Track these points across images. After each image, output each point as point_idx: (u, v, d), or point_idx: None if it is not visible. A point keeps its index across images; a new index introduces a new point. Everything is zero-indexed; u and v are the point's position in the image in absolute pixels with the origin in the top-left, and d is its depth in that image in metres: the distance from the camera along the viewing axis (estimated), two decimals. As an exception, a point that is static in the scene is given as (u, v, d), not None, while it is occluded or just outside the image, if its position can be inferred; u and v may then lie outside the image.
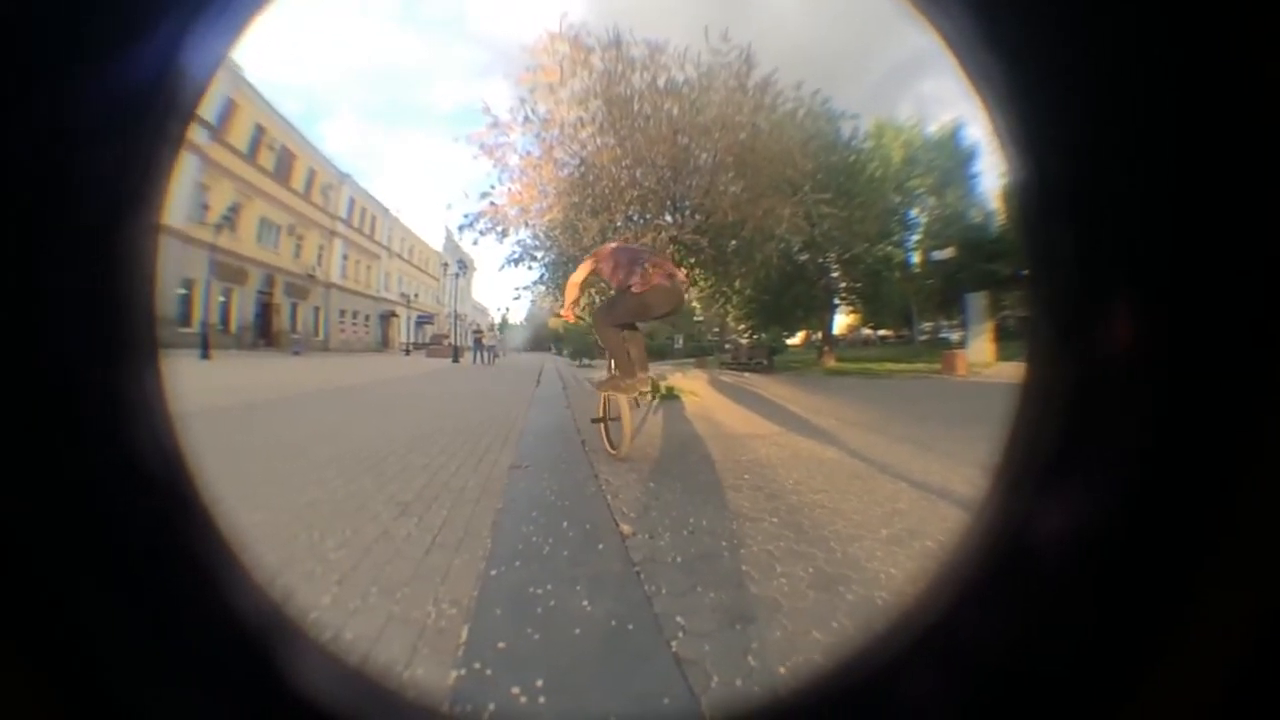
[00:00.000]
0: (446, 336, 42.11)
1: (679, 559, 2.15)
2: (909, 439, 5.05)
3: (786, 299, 23.17)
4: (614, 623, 1.64)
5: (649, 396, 4.26)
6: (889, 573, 2.05)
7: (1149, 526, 0.21)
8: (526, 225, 12.67)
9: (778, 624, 1.66)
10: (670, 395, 8.54)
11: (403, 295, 57.18)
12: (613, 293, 4.22)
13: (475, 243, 13.17)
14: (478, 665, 1.42)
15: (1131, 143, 0.20)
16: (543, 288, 14.27)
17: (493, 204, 12.41)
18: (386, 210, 54.01)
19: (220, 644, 0.25)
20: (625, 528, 2.51)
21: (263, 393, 8.53)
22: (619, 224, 11.90)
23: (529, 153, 12.13)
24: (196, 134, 26.12)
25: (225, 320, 30.58)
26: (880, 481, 3.49)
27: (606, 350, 4.33)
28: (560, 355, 38.42)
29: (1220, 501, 0.20)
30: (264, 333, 34.20)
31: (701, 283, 15.05)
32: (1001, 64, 0.23)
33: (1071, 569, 0.22)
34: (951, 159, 34.19)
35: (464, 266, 39.66)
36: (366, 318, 49.52)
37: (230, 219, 29.55)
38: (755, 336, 28.76)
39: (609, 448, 4.21)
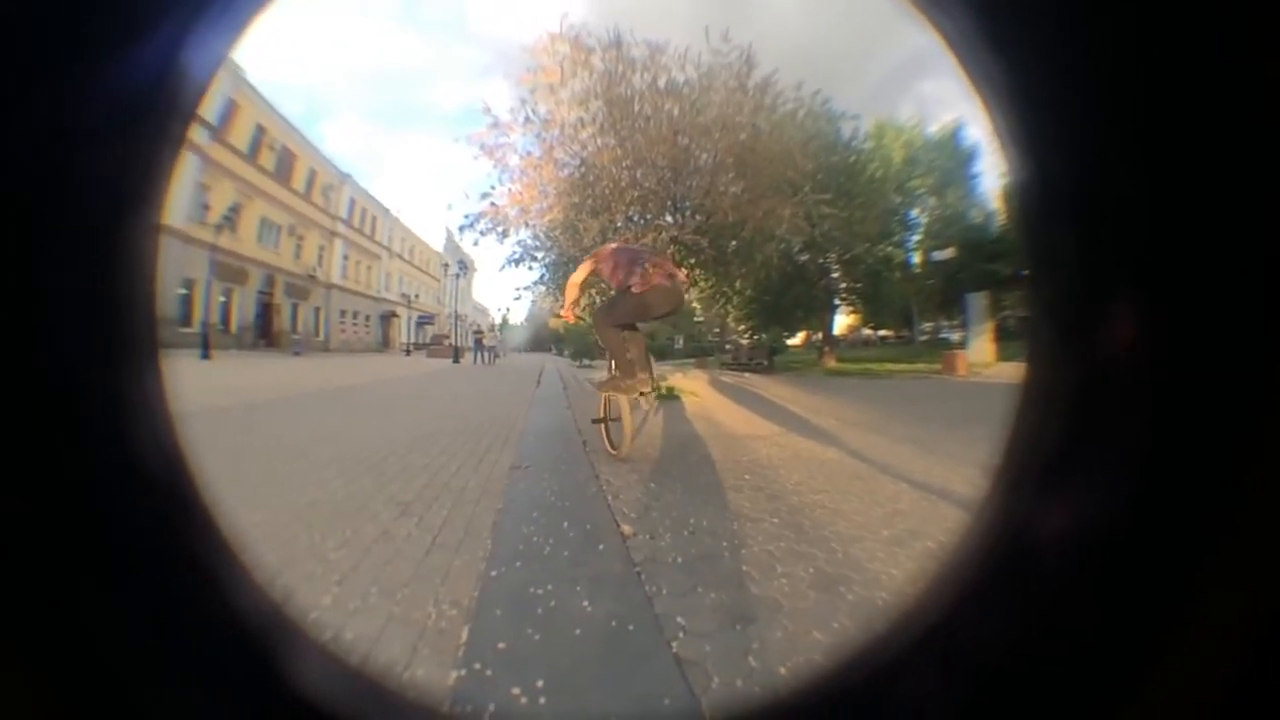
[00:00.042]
0: (447, 337, 42.13)
1: (680, 559, 2.15)
2: (910, 439, 5.04)
3: (787, 299, 23.17)
4: (614, 623, 1.64)
5: (650, 397, 4.24)
6: (890, 573, 2.05)
7: (1149, 527, 0.21)
8: (527, 226, 12.67)
9: (778, 624, 1.66)
10: (671, 396, 8.54)
11: (403, 296, 57.22)
12: (613, 293, 4.21)
13: (476, 243, 13.17)
14: (478, 666, 1.41)
15: (1132, 143, 0.20)
16: (543, 288, 14.26)
17: (493, 204, 12.42)
18: (387, 211, 54.05)
19: (220, 644, 0.25)
20: (626, 528, 2.50)
21: (263, 393, 8.54)
22: (619, 224, 11.90)
23: (529, 153, 12.14)
24: (197, 134, 26.14)
25: (226, 320, 30.59)
26: (881, 482, 3.49)
27: (607, 351, 4.32)
28: (561, 356, 38.45)
29: (1220, 502, 0.20)
30: (264, 333, 34.21)
31: (702, 283, 15.04)
32: (1002, 64, 0.23)
33: (1072, 569, 0.22)
34: (952, 159, 34.21)
35: (464, 267, 39.66)
36: (367, 318, 49.54)
37: (231, 219, 29.58)
38: (756, 337, 28.75)
39: (610, 448, 4.21)
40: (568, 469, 3.76)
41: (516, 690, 1.31)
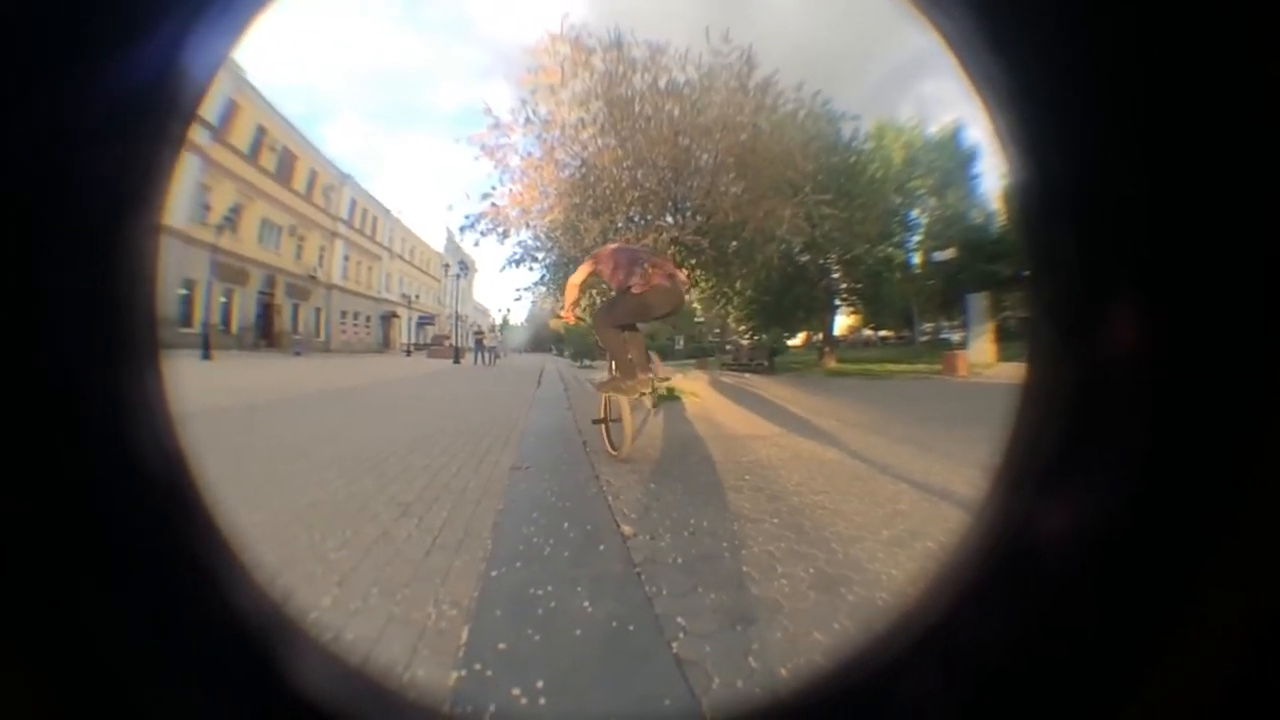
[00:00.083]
0: (448, 337, 42.19)
1: (680, 560, 2.15)
2: (910, 440, 5.04)
3: (787, 300, 23.19)
4: (615, 624, 1.64)
5: (650, 397, 4.23)
6: (890, 574, 2.05)
7: (1149, 527, 0.20)
8: (528, 226, 12.69)
9: (779, 625, 1.66)
10: (671, 396, 8.54)
11: (404, 296, 57.26)
12: (613, 294, 4.21)
13: (476, 244, 13.19)
14: (478, 666, 1.41)
15: (1132, 143, 0.20)
16: (544, 289, 14.27)
17: (494, 205, 12.43)
18: (388, 211, 54.06)
19: (220, 644, 0.25)
20: (626, 529, 2.50)
21: (264, 393, 8.54)
22: (620, 225, 11.91)
23: (530, 154, 12.15)
24: (198, 135, 26.17)
25: (226, 321, 30.60)
26: (881, 483, 3.49)
27: (607, 352, 4.32)
28: (561, 356, 38.46)
29: (1221, 502, 0.20)
30: (265, 333, 34.22)
31: (702, 284, 15.05)
32: (1002, 64, 0.23)
33: (1072, 570, 0.22)
34: (952, 160, 34.26)
35: (465, 267, 39.68)
36: (368, 319, 49.55)
37: (232, 220, 29.61)
38: (756, 338, 28.77)
39: (610, 449, 4.21)
40: (568, 469, 3.76)
41: (517, 691, 1.31)
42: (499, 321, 79.73)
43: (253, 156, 33.03)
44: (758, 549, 2.27)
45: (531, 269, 13.73)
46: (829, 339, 24.85)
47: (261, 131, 33.88)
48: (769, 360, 19.94)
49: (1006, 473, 0.26)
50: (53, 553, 0.20)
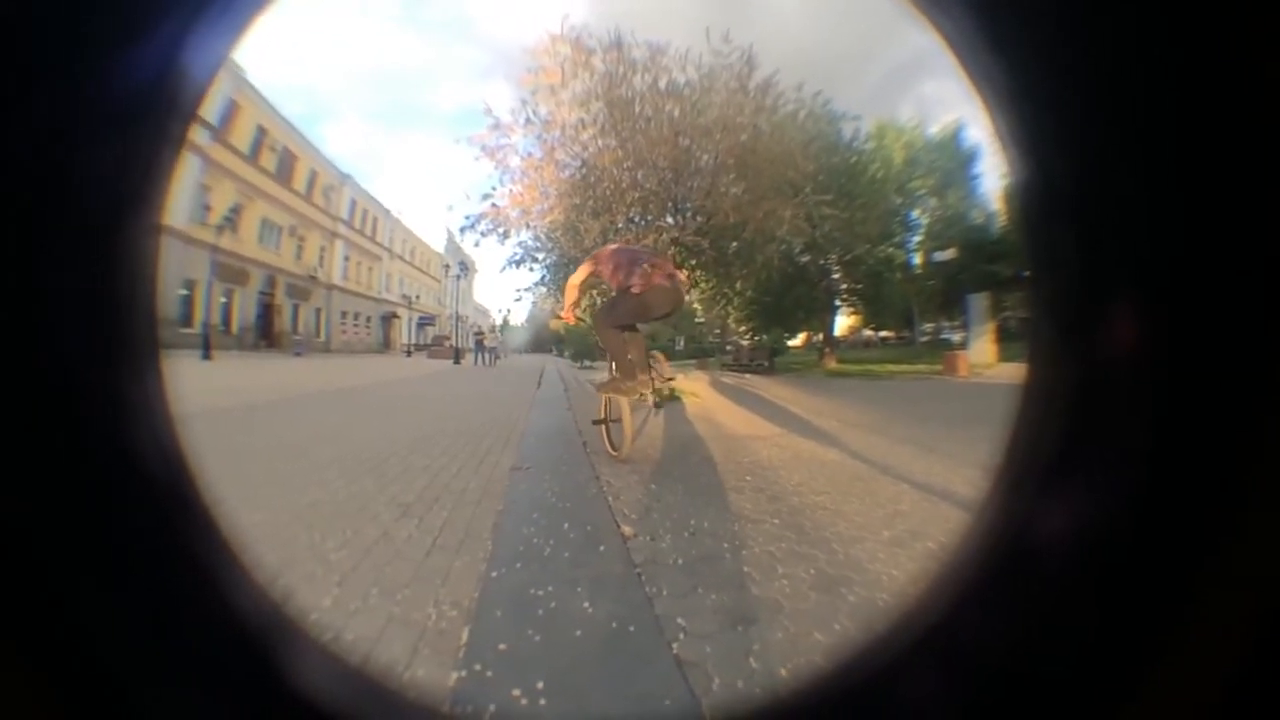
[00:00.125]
0: (448, 338, 42.21)
1: (680, 561, 2.14)
2: (911, 440, 5.04)
3: (788, 300, 23.19)
4: (615, 624, 1.64)
5: (649, 398, 4.22)
6: (891, 574, 2.05)
7: (1149, 527, 0.20)
8: (528, 227, 12.69)
9: (779, 625, 1.66)
10: (672, 397, 8.52)
11: (404, 297, 57.26)
12: (613, 294, 4.21)
13: (477, 244, 13.19)
14: (478, 667, 1.41)
15: (1132, 143, 0.20)
16: (544, 289, 14.27)
17: (494, 205, 12.43)
18: (388, 212, 54.05)
19: (221, 644, 0.25)
20: (626, 529, 2.50)
21: (264, 394, 8.54)
22: (620, 226, 11.91)
23: (530, 154, 12.15)
24: (198, 135, 26.17)
25: (227, 321, 30.60)
26: (882, 483, 3.48)
27: (607, 352, 4.32)
28: (561, 357, 38.47)
29: (1221, 502, 0.20)
30: (265, 334, 34.21)
31: (703, 284, 15.06)
32: (1002, 64, 0.23)
33: (1072, 570, 0.22)
34: (953, 160, 34.26)
35: (465, 268, 39.68)
36: (368, 319, 49.54)
37: (232, 220, 29.60)
38: (756, 338, 28.75)
39: (610, 449, 4.21)
40: (568, 470, 3.76)
41: (517, 691, 1.31)
42: (499, 322, 79.69)
43: (253, 157, 33.03)
44: (758, 549, 2.27)
45: (532, 270, 13.73)
46: (829, 339, 24.84)
47: (262, 132, 33.89)
48: (769, 361, 19.93)
49: (1007, 473, 0.26)
50: (53, 553, 0.20)
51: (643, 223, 12.26)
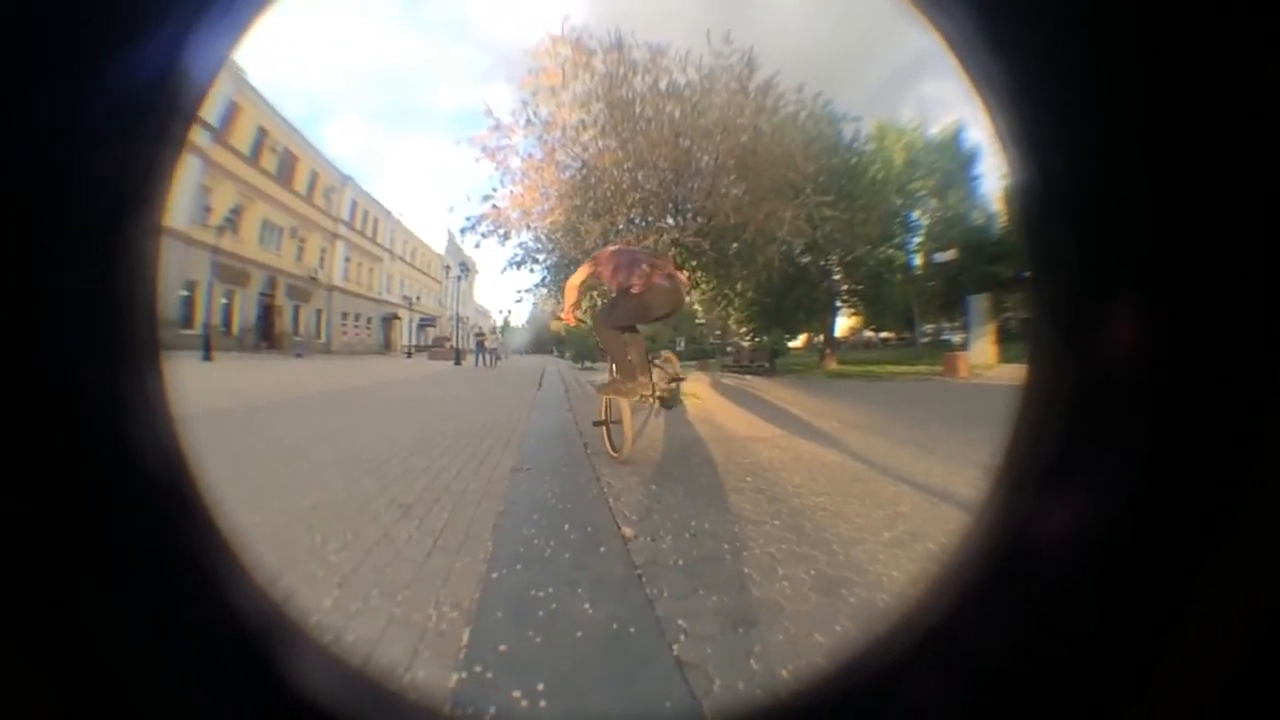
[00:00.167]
0: (449, 339, 42.21)
1: (681, 562, 2.14)
2: (911, 441, 5.04)
3: (788, 302, 23.20)
4: (615, 626, 1.63)
5: (666, 395, 4.19)
6: (891, 575, 2.04)
7: (1150, 528, 0.20)
8: (528, 228, 12.72)
9: (780, 627, 1.66)
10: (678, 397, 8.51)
11: (405, 298, 57.25)
12: (613, 295, 4.21)
13: (477, 245, 13.22)
14: (479, 668, 1.41)
15: (1132, 144, 0.20)
16: (544, 290, 14.29)
17: (495, 206, 12.46)
18: (389, 213, 54.04)
19: (221, 645, 0.25)
20: (627, 530, 2.50)
21: (265, 395, 8.54)
22: (621, 227, 11.92)
23: (531, 155, 12.19)
24: (199, 136, 26.19)
25: (227, 322, 30.60)
26: (882, 484, 3.48)
27: (607, 353, 4.32)
28: (562, 358, 38.48)
29: (1221, 502, 0.20)
30: (266, 335, 34.18)
31: (703, 286, 15.08)
32: (1002, 65, 0.23)
33: (1073, 570, 0.22)
34: (953, 161, 34.29)
35: (466, 269, 39.73)
36: (369, 320, 49.53)
37: (232, 221, 29.59)
38: (757, 339, 28.75)
39: (611, 450, 4.20)
40: (569, 471, 3.76)
41: (517, 693, 1.31)
42: (500, 323, 79.78)
43: (254, 158, 33.02)
44: (759, 551, 2.27)
45: (532, 271, 13.77)
46: (830, 340, 24.84)
47: (262, 133, 33.90)
48: (770, 362, 19.91)
49: (1007, 474, 0.26)
50: (53, 553, 0.20)
51: (643, 224, 12.28)
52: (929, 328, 40.04)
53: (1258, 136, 0.18)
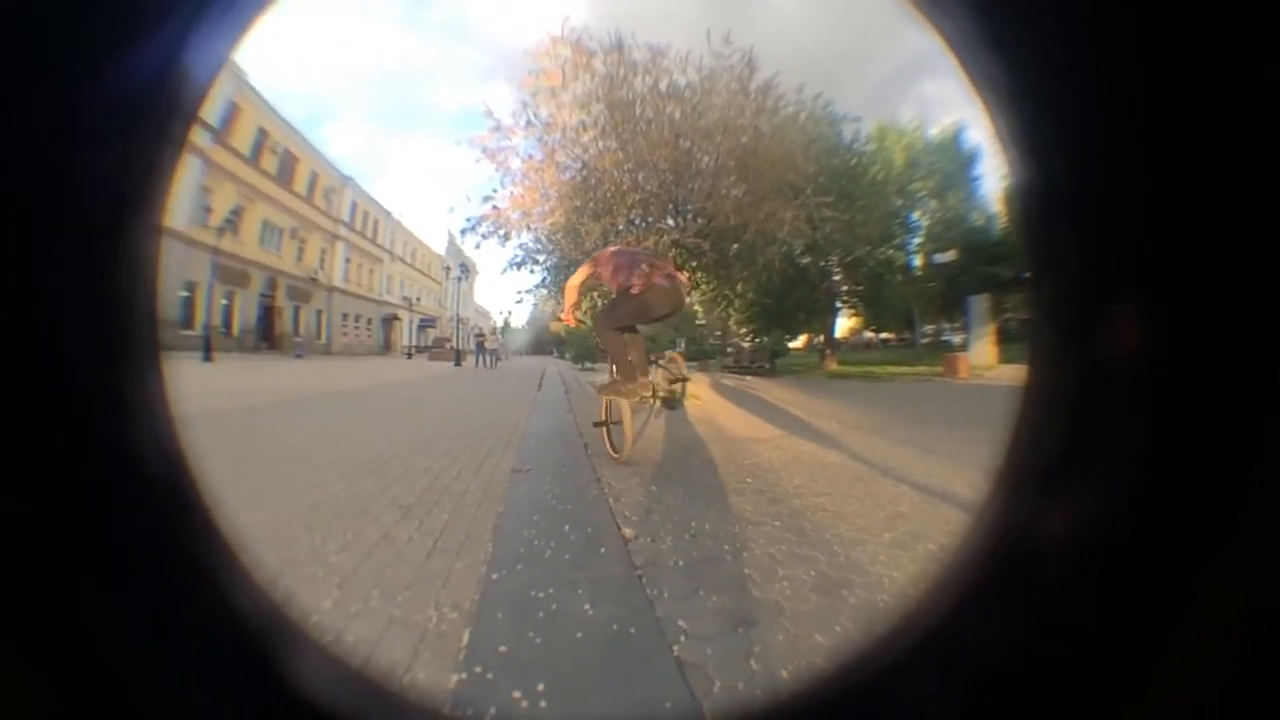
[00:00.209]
0: (449, 340, 42.23)
1: (681, 563, 2.14)
2: (911, 442, 5.04)
3: (788, 302, 23.22)
4: (616, 626, 1.63)
5: (670, 394, 4.18)
6: (891, 576, 2.04)
7: (1150, 528, 0.20)
8: (529, 229, 12.74)
9: (780, 627, 1.66)
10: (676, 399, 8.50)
11: (405, 299, 57.23)
12: (613, 296, 4.21)
13: (478, 246, 13.24)
14: (479, 669, 1.41)
15: (1132, 144, 0.20)
16: (545, 291, 14.31)
17: (495, 207, 12.47)
18: (389, 214, 54.03)
19: (221, 645, 0.25)
20: (627, 531, 2.50)
21: (265, 396, 8.54)
22: (621, 227, 11.94)
23: (531, 156, 12.21)
24: (199, 136, 26.20)
25: (227, 323, 30.59)
26: (883, 485, 3.48)
27: (607, 354, 4.32)
28: (562, 359, 38.49)
29: (1221, 503, 0.20)
30: (266, 336, 34.16)
31: (704, 286, 15.09)
32: (1002, 65, 0.23)
33: (1073, 571, 0.22)
34: (953, 162, 34.31)
35: (466, 270, 39.74)
36: (369, 321, 49.51)
37: (233, 222, 29.58)
38: (757, 340, 28.76)
39: (611, 451, 4.20)
40: (569, 472, 3.76)
41: (517, 693, 1.31)
42: (500, 324, 79.80)
43: (254, 159, 33.02)
44: (759, 551, 2.27)
45: (533, 272, 13.79)
46: (830, 341, 24.83)
47: (263, 133, 33.90)
48: (770, 363, 19.89)
49: (1007, 474, 0.26)
50: (53, 553, 0.20)
51: (643, 225, 12.29)
52: (929, 328, 40.03)
53: (1258, 136, 0.18)
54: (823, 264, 21.70)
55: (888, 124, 32.50)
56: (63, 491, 0.21)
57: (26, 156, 0.20)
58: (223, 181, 29.87)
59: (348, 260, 45.41)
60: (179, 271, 25.37)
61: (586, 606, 1.75)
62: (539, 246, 13.28)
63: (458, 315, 39.22)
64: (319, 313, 41.34)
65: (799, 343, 41.32)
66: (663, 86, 11.53)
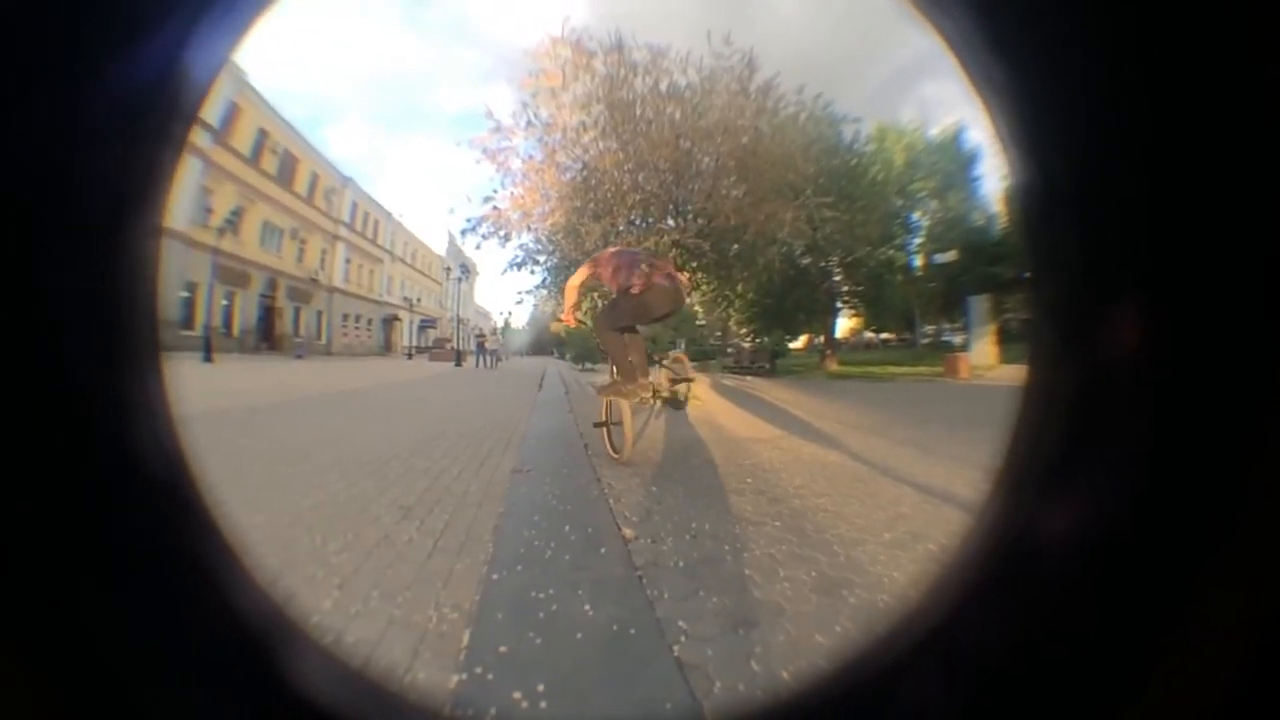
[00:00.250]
0: (449, 340, 42.22)
1: (681, 563, 2.14)
2: (912, 442, 5.04)
3: (788, 303, 23.21)
4: (616, 627, 1.63)
5: (675, 394, 4.18)
6: (892, 576, 2.04)
7: (1150, 529, 0.20)
8: (529, 229, 12.74)
9: (780, 628, 1.65)
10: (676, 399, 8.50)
11: (405, 299, 57.22)
12: (613, 296, 4.21)
13: (478, 247, 13.24)
14: (479, 669, 1.41)
15: (1132, 144, 0.20)
16: (545, 292, 14.31)
17: (495, 208, 12.48)
18: (389, 214, 54.02)
19: (221, 645, 0.25)
20: (628, 532, 2.50)
21: (265, 396, 8.54)
22: (621, 228, 11.94)
23: (531, 157, 12.22)
24: (199, 137, 26.20)
25: (228, 323, 30.58)
26: (883, 485, 3.48)
27: (608, 354, 4.32)
28: (563, 359, 38.48)
29: (1221, 503, 0.20)
30: (267, 336, 34.15)
31: (704, 287, 15.10)
32: (1003, 65, 0.23)
33: (1073, 571, 0.22)
34: (953, 162, 34.31)
35: (466, 271, 39.74)
36: (369, 322, 49.50)
37: (233, 222, 29.58)
38: (757, 340, 28.73)
39: (611, 452, 4.20)
40: (569, 472, 3.76)
41: (518, 694, 1.31)
42: (500, 325, 79.76)
43: (254, 159, 33.02)
44: (759, 552, 2.27)
45: (533, 272, 13.79)
46: (830, 341, 24.82)
47: (263, 134, 33.89)
48: (770, 363, 19.88)
49: (1008, 475, 0.26)
50: (53, 553, 0.20)
51: (644, 225, 12.30)
52: (929, 329, 40.01)
53: (1258, 136, 0.18)
54: (823, 264, 21.71)
55: (888, 124, 32.58)
56: (63, 491, 0.21)
57: (26, 156, 0.20)
58: (223, 182, 29.87)
59: (348, 261, 45.39)
60: (179, 272, 25.36)
61: (587, 607, 1.75)
62: (539, 247, 13.29)
63: (458, 316, 39.25)
64: (319, 313, 41.33)
65: (799, 343, 41.33)
66: (663, 87, 11.54)
